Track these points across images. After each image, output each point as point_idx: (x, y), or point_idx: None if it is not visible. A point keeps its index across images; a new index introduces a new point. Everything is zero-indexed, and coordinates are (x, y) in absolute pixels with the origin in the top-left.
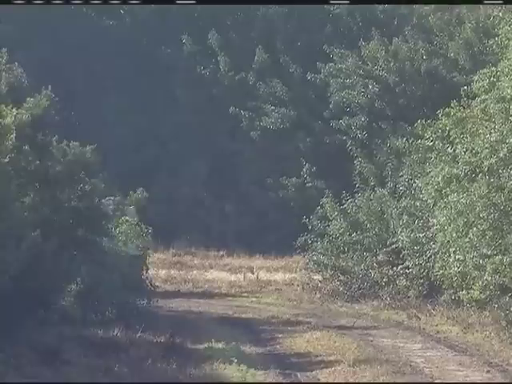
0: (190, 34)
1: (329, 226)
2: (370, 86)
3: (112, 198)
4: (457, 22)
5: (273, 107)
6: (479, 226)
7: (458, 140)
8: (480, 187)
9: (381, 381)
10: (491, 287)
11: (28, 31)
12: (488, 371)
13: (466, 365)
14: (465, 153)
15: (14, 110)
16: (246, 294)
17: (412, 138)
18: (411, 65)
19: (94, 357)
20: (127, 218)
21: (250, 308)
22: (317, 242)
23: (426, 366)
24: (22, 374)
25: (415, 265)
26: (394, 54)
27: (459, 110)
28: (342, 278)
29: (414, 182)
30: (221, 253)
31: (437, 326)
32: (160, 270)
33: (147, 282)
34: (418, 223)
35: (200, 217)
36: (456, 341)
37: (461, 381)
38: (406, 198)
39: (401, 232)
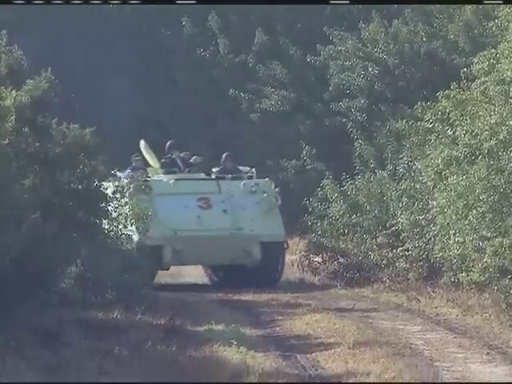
0: (190, 17)
1: (329, 208)
2: (370, 69)
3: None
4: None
5: (273, 89)
6: (479, 209)
7: (457, 122)
8: (480, 169)
9: (380, 363)
10: (491, 269)
11: (28, 14)
12: (488, 353)
13: (466, 347)
14: (464, 135)
15: (13, 92)
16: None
17: (412, 120)
18: (411, 47)
19: (93, 339)
20: (127, 200)
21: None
22: (317, 223)
23: (426, 348)
24: (22, 356)
25: (415, 247)
26: (393, 37)
27: (459, 92)
28: (341, 260)
29: (414, 165)
30: None
31: (436, 308)
32: None
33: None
34: (417, 205)
35: None
36: (455, 323)
37: (462, 364)
38: (405, 180)
39: (400, 214)
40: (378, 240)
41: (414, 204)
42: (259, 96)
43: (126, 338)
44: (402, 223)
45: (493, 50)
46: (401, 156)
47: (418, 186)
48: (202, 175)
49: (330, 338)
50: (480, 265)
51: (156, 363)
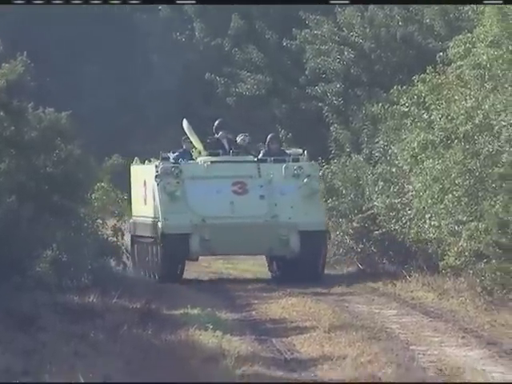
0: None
1: None
2: (346, 53)
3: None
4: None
5: (248, 73)
6: (454, 193)
7: (433, 106)
8: (455, 153)
9: (356, 347)
10: (466, 253)
11: None
12: (463, 337)
13: (441, 331)
14: (440, 119)
15: None
16: (221, 260)
17: (388, 104)
18: (387, 31)
19: (69, 323)
20: (102, 184)
21: (225, 274)
22: None
23: (402, 331)
24: None
25: (391, 231)
26: (369, 21)
27: (435, 76)
28: None
29: (390, 148)
30: None
31: (412, 292)
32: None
33: (123, 248)
34: (393, 189)
35: None
36: (431, 307)
37: (438, 348)
38: (381, 164)
39: (376, 198)
40: (354, 224)
41: (390, 188)
42: (235, 80)
43: (102, 322)
44: (378, 207)
45: (468, 34)
46: (377, 140)
47: (393, 170)
48: (249, 157)
49: (306, 322)
50: (456, 249)
51: (132, 347)
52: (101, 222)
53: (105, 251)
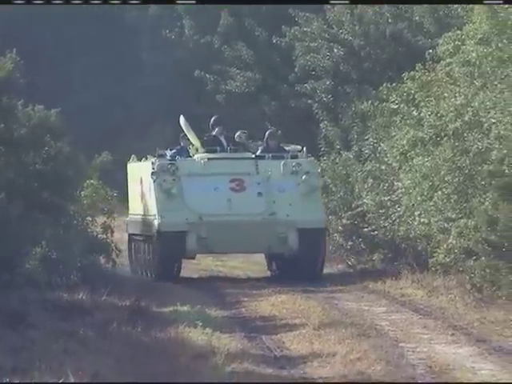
0: None
1: None
2: (335, 50)
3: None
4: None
5: (238, 71)
6: (444, 190)
7: (422, 103)
8: (445, 151)
9: (345, 344)
10: (456, 251)
11: None
12: (452, 334)
13: (431, 328)
14: (430, 116)
15: None
16: (211, 258)
17: (377, 102)
18: (376, 28)
19: (59, 320)
20: (92, 181)
21: (215, 271)
22: None
23: (391, 329)
24: None
25: (380, 228)
26: (359, 18)
27: (424, 73)
28: None
29: (379, 146)
30: None
31: (402, 289)
32: (125, 233)
33: (112, 245)
34: (382, 186)
35: None
36: (421, 304)
37: (427, 345)
38: (371, 161)
39: (366, 195)
40: (344, 221)
41: (380, 185)
42: (224, 77)
43: (92, 319)
44: (368, 204)
45: (458, 32)
46: (366, 137)
47: (383, 167)
48: (247, 154)
49: (296, 319)
50: (445, 246)
51: (121, 344)
52: (90, 219)
53: (94, 248)
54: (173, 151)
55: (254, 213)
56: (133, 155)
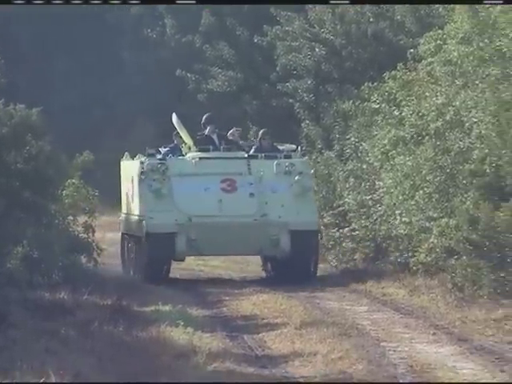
0: None
1: None
2: (317, 49)
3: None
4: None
5: (219, 70)
6: (425, 189)
7: (404, 103)
8: (426, 150)
9: (327, 343)
10: (437, 250)
11: None
12: (434, 333)
13: (412, 327)
14: (411, 115)
15: None
16: (192, 257)
17: (359, 101)
18: (358, 28)
19: (40, 320)
20: (73, 181)
21: (196, 271)
22: None
23: (372, 328)
24: None
25: (362, 227)
26: (340, 17)
27: (405, 72)
28: None
29: (361, 145)
30: None
31: (383, 288)
32: (106, 232)
33: (94, 244)
34: (364, 186)
35: None
36: (402, 303)
37: (409, 344)
38: (352, 160)
39: (347, 194)
40: (325, 220)
41: (361, 184)
42: (206, 76)
43: (73, 319)
44: (349, 203)
45: (439, 31)
46: (348, 136)
47: (364, 167)
48: (240, 154)
49: (277, 319)
50: (426, 245)
51: (103, 343)
52: (72, 218)
53: (76, 248)
54: (166, 149)
55: (245, 214)
56: (126, 152)
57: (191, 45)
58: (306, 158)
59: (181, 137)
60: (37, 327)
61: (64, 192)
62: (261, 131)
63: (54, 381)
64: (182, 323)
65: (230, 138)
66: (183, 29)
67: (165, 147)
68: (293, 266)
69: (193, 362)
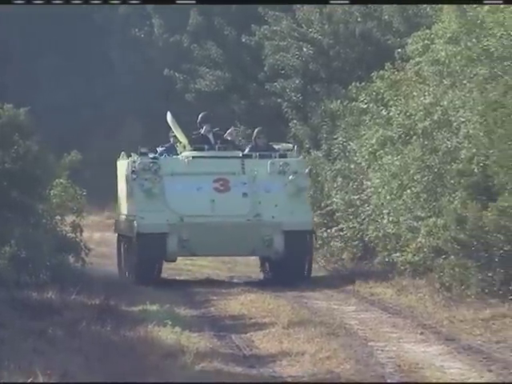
0: None
1: None
2: (305, 49)
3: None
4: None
5: (207, 69)
6: (413, 189)
7: (392, 102)
8: (414, 150)
9: (315, 343)
10: (425, 249)
11: None
12: (421, 333)
13: (400, 327)
14: (399, 115)
15: None
16: (180, 257)
17: (346, 101)
18: (345, 27)
19: (27, 319)
20: (61, 180)
21: (184, 271)
22: None
23: (360, 327)
24: None
25: (349, 227)
26: (328, 17)
27: (393, 72)
28: None
29: (349, 145)
30: None
31: (371, 288)
32: (94, 232)
33: (81, 244)
34: (352, 185)
35: None
36: (390, 303)
37: (396, 344)
38: (340, 160)
39: (335, 194)
40: (314, 220)
41: (349, 184)
42: (194, 76)
43: (61, 318)
44: (337, 203)
45: (427, 31)
46: (335, 136)
47: (352, 166)
48: (235, 153)
49: (265, 318)
50: (414, 245)
51: (90, 343)
52: (59, 218)
53: (63, 247)
54: (162, 149)
55: (238, 214)
56: (122, 152)
57: (179, 44)
58: (301, 157)
59: (175, 136)
60: (24, 327)
61: (52, 192)
62: (256, 130)
63: (41, 381)
64: (170, 323)
65: (228, 137)
66: (171, 28)
67: (161, 147)
68: (287, 267)
69: (181, 361)
